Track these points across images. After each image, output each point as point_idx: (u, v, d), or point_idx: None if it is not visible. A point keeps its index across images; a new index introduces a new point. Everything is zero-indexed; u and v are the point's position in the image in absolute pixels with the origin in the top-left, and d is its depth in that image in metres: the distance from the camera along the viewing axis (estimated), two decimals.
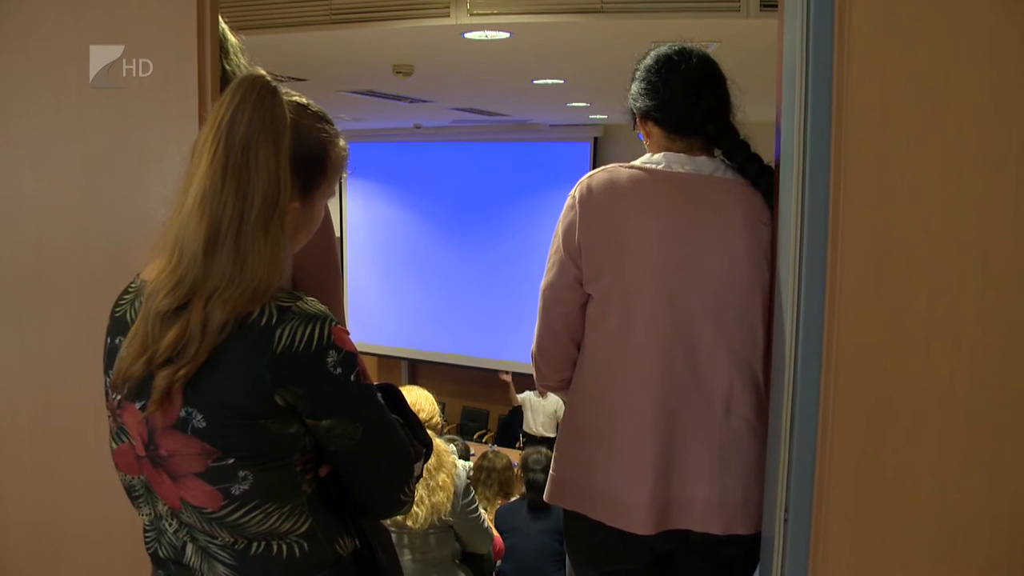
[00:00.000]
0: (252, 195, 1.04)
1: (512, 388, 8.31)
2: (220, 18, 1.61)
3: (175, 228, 1.07)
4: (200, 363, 1.03)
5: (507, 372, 8.47)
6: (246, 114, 1.05)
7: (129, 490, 1.19)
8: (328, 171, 1.21)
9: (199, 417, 1.05)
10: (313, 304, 1.09)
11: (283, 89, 1.11)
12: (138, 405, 1.09)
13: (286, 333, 1.04)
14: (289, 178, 1.08)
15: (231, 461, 1.05)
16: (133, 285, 1.19)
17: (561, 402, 8.12)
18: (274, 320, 1.05)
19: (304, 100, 1.21)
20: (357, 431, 1.11)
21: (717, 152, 1.65)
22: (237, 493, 1.06)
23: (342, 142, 1.24)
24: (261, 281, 1.05)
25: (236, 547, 1.11)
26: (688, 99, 1.62)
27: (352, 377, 1.10)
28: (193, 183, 1.06)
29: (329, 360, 1.07)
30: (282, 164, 1.07)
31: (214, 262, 1.04)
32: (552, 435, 7.97)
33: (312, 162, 1.18)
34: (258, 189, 1.05)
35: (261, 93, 1.07)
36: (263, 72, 1.10)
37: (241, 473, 1.06)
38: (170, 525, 1.16)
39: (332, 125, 1.23)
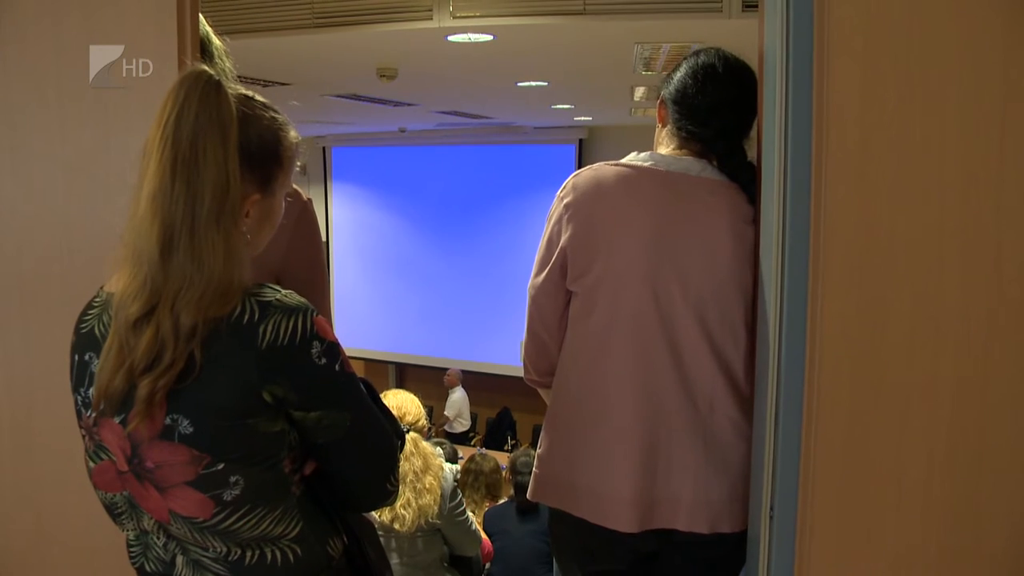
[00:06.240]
0: (202, 191, 1.03)
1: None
2: (204, 22, 1.60)
3: (131, 234, 1.05)
4: (179, 368, 1.01)
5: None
6: (192, 110, 1.03)
7: (110, 508, 1.16)
8: (283, 160, 1.17)
9: (185, 423, 1.03)
10: (292, 296, 1.08)
11: (228, 84, 1.08)
12: (118, 419, 1.06)
13: (270, 328, 1.03)
14: (238, 171, 1.06)
15: (221, 466, 1.04)
16: (98, 299, 1.16)
17: (453, 397, 8.81)
18: (256, 316, 1.04)
19: (249, 92, 1.18)
20: (345, 420, 1.11)
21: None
22: (229, 499, 1.05)
23: (293, 132, 1.20)
24: (221, 279, 1.03)
25: (230, 558, 1.10)
26: (708, 112, 1.62)
27: (337, 367, 1.09)
28: (144, 185, 1.04)
29: (314, 351, 1.06)
30: (231, 157, 1.04)
31: (172, 263, 1.03)
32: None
33: (266, 152, 1.14)
34: (207, 184, 1.03)
35: (205, 88, 1.05)
36: (206, 67, 1.07)
37: (232, 478, 1.04)
38: (158, 539, 1.14)
39: (281, 115, 1.19)
